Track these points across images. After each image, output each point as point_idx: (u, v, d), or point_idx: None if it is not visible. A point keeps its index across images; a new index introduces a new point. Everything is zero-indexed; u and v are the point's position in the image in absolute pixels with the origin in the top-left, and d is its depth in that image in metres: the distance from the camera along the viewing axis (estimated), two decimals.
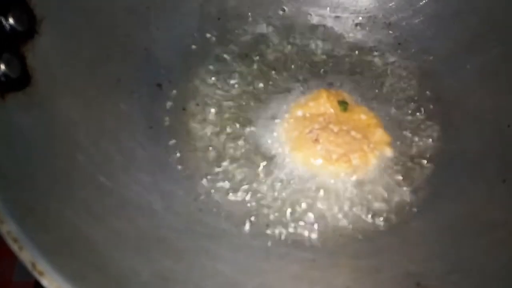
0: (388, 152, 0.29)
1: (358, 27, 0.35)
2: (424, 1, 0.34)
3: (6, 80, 0.22)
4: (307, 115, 0.31)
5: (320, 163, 0.29)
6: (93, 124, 0.26)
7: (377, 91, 0.32)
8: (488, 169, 0.27)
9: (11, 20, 0.23)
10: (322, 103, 0.31)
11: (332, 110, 0.30)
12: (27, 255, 0.15)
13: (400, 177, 0.28)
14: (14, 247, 0.15)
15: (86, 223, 0.20)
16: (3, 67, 0.22)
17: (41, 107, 0.23)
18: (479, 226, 0.25)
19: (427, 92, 0.32)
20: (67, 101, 0.25)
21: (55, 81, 0.25)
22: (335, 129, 0.30)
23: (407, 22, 0.34)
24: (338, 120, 0.30)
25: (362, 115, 0.31)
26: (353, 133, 0.29)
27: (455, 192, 0.28)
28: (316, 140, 0.29)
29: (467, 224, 0.26)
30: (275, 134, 0.30)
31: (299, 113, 0.31)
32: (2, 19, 0.23)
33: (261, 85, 0.32)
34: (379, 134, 0.30)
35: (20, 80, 0.23)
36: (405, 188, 0.28)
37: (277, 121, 0.31)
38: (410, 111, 0.31)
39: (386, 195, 0.28)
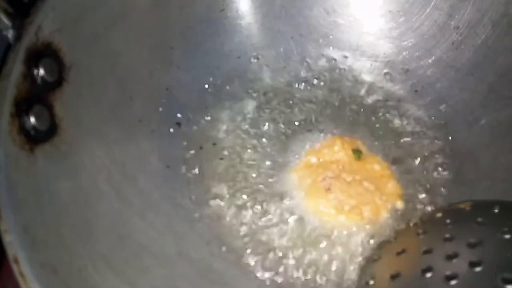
0: (399, 204, 0.30)
1: (376, 72, 0.35)
2: (443, 51, 0.34)
3: (36, 133, 0.23)
4: (321, 161, 0.31)
5: (332, 213, 0.29)
6: (115, 169, 0.27)
7: (392, 141, 0.32)
8: None
9: (42, 71, 0.24)
10: (336, 151, 0.31)
11: (346, 158, 0.31)
12: None
13: None
14: None
15: (105, 278, 0.21)
16: (33, 120, 0.23)
17: (66, 157, 0.24)
18: None
19: (440, 142, 0.32)
20: (91, 147, 0.26)
21: (80, 128, 0.26)
22: (348, 178, 0.30)
23: (424, 70, 0.35)
24: (351, 168, 0.31)
25: (376, 165, 0.31)
26: (365, 184, 0.30)
27: None
28: (329, 190, 0.30)
29: None
30: (288, 180, 0.31)
31: (313, 159, 0.31)
32: (34, 71, 0.24)
33: (275, 128, 0.33)
34: (391, 186, 0.30)
35: (48, 131, 0.24)
36: None
37: (291, 166, 0.32)
38: (422, 162, 0.32)
39: None
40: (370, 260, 0.27)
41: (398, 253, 0.26)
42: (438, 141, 0.32)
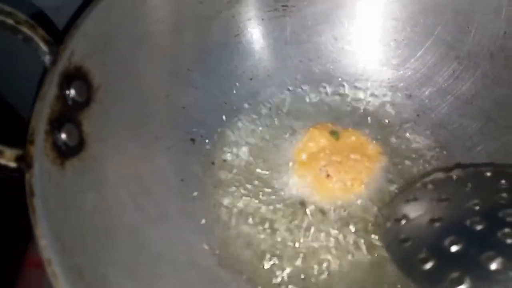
0: (383, 159, 0.34)
1: (380, 96, 0.37)
2: (444, 79, 0.36)
3: (66, 149, 0.25)
4: (311, 155, 0.34)
5: (341, 194, 0.32)
6: (133, 182, 0.29)
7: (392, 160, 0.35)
8: None
9: (73, 92, 0.27)
10: (318, 140, 0.34)
11: (327, 142, 0.34)
12: None
13: None
14: None
15: (124, 284, 0.23)
16: (64, 136, 0.25)
17: (92, 169, 0.27)
18: None
19: (439, 166, 0.34)
20: (113, 161, 0.29)
21: (104, 144, 0.28)
22: (338, 158, 0.34)
23: (426, 96, 0.36)
24: (336, 149, 0.34)
25: (352, 137, 0.35)
26: (352, 156, 0.34)
27: None
28: (329, 176, 0.33)
29: None
30: (291, 183, 0.34)
31: (303, 156, 0.34)
32: (66, 92, 0.27)
33: (283, 143, 0.36)
34: (372, 148, 0.34)
35: (76, 146, 0.26)
36: None
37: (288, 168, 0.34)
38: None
39: None
40: (402, 200, 0.29)
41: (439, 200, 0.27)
42: (436, 163, 0.34)
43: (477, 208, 0.25)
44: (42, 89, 0.25)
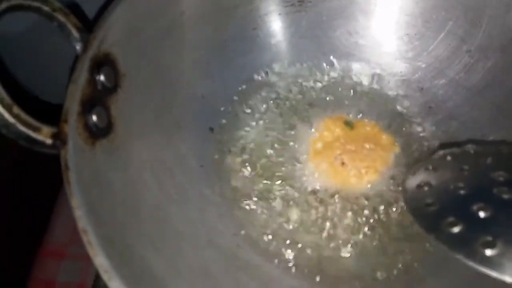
0: (397, 149, 0.35)
1: (393, 89, 0.39)
2: (455, 72, 0.37)
3: (96, 130, 0.27)
4: (326, 144, 0.36)
5: (357, 181, 0.34)
6: (157, 164, 0.31)
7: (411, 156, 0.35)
8: None
9: (102, 78, 0.28)
10: (333, 129, 0.36)
11: (342, 132, 0.36)
12: (115, 284, 0.20)
13: None
14: (104, 277, 0.20)
15: (150, 255, 0.24)
16: (95, 118, 0.27)
17: (119, 151, 0.28)
18: None
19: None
20: (138, 144, 0.30)
21: (130, 128, 0.30)
22: (352, 148, 0.35)
23: (438, 89, 0.38)
24: (350, 138, 0.35)
25: (367, 127, 0.36)
26: (366, 145, 0.35)
27: None
28: (344, 164, 0.34)
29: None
30: (306, 171, 0.35)
31: (319, 145, 0.36)
32: (96, 77, 0.28)
33: (296, 132, 0.37)
34: (385, 138, 0.36)
35: (105, 128, 0.28)
36: None
37: (304, 157, 0.35)
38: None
39: None
40: (422, 168, 0.30)
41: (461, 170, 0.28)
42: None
43: (501, 179, 0.25)
44: (74, 73, 0.27)
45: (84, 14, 0.30)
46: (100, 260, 0.20)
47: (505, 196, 0.24)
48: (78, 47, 0.28)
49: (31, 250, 0.37)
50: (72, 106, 0.26)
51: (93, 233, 0.21)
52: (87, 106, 0.27)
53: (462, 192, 0.26)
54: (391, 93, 0.38)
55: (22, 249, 0.37)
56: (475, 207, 0.24)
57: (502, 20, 0.35)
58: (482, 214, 0.24)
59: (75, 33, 0.28)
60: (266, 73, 0.39)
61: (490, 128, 0.35)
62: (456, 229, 0.24)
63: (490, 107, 0.35)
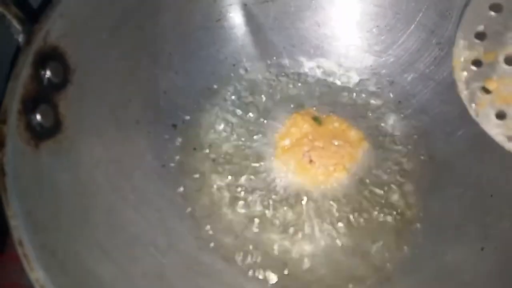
0: (365, 145, 0.34)
1: (362, 82, 0.37)
2: (426, 66, 0.36)
3: (41, 130, 0.25)
4: (294, 141, 0.34)
5: (324, 179, 0.33)
6: (112, 164, 0.29)
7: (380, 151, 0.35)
8: (468, 234, 0.30)
9: (48, 73, 0.26)
10: (301, 125, 0.35)
11: (310, 128, 0.35)
12: None
13: None
14: None
15: (99, 263, 0.23)
16: (39, 117, 0.25)
17: (68, 152, 0.26)
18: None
19: (421, 151, 0.34)
20: (90, 144, 0.28)
21: (82, 126, 0.28)
22: (320, 144, 0.34)
23: (408, 82, 0.37)
24: (319, 135, 0.34)
25: (335, 123, 0.35)
26: (335, 142, 0.34)
27: (434, 251, 0.30)
28: (312, 161, 0.33)
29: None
30: (273, 169, 0.34)
31: (286, 142, 0.34)
32: (41, 72, 0.26)
33: (261, 126, 0.36)
34: (354, 133, 0.35)
35: (52, 128, 0.26)
36: None
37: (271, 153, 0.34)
38: (400, 165, 0.34)
39: None
40: None
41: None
42: (418, 149, 0.34)
43: None
44: (16, 68, 0.25)
45: (28, 3, 0.28)
46: (36, 275, 0.19)
47: None
48: (20, 39, 0.26)
49: None
50: (12, 104, 0.24)
51: (29, 244, 0.19)
52: (30, 104, 0.25)
53: None
54: (360, 87, 0.37)
55: None
56: None
57: None
58: None
59: (16, 25, 0.26)
60: (233, 66, 0.38)
61: (459, 123, 0.34)
62: None
63: (460, 102, 0.34)
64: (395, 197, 0.32)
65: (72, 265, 0.21)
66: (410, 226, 0.31)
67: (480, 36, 0.25)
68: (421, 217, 0.32)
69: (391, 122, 0.36)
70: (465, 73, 0.26)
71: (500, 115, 0.25)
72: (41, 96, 0.26)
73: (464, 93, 0.26)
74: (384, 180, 0.33)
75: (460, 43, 0.26)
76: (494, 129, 0.25)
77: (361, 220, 0.31)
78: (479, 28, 0.25)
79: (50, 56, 0.27)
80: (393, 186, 0.33)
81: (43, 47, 0.26)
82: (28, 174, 0.23)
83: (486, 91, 0.26)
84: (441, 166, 0.33)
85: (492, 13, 0.25)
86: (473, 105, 0.26)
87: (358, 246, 0.30)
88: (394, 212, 0.32)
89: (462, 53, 0.26)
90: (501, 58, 0.25)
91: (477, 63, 0.26)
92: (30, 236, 0.20)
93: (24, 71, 0.25)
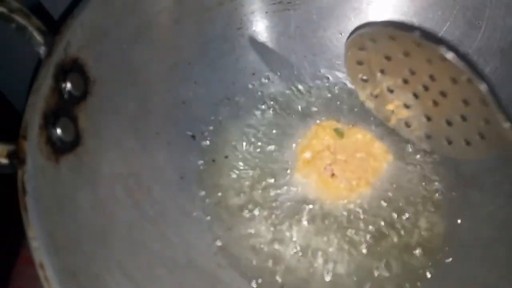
0: (390, 158, 0.33)
1: None
2: None
3: (61, 144, 0.24)
4: (315, 153, 0.34)
5: (347, 194, 0.32)
6: (131, 178, 0.28)
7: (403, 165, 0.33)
8: (496, 255, 0.28)
9: (69, 85, 0.26)
10: (322, 137, 0.34)
11: (332, 140, 0.34)
12: None
13: None
14: None
15: (120, 284, 0.22)
16: (59, 131, 0.24)
17: (88, 166, 0.26)
18: None
19: (448, 166, 0.33)
20: (110, 157, 0.28)
21: (101, 139, 0.27)
22: (343, 157, 0.33)
23: None
24: (341, 147, 0.34)
25: (358, 135, 0.34)
26: (358, 154, 0.33)
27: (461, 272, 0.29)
28: (334, 175, 0.32)
29: None
30: (294, 183, 0.33)
31: (307, 155, 0.33)
32: (62, 85, 0.25)
33: (282, 139, 0.35)
34: (378, 146, 0.34)
35: (72, 142, 0.25)
36: None
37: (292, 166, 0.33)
38: (426, 180, 0.33)
39: None
40: None
41: None
42: (446, 166, 0.33)
43: None
44: (37, 81, 0.24)
45: (49, 15, 0.28)
46: None
47: None
48: (42, 51, 0.25)
49: (9, 256, 0.35)
50: (33, 119, 0.23)
51: (50, 267, 0.19)
52: (51, 118, 0.24)
53: None
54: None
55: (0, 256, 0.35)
56: None
57: (502, 21, 0.33)
58: None
59: (37, 36, 0.25)
60: (252, 75, 0.37)
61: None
62: None
63: None
64: (420, 214, 0.31)
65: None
66: (435, 245, 0.30)
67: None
68: (448, 236, 0.30)
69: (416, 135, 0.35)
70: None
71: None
72: (62, 109, 0.25)
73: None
74: (409, 196, 0.32)
75: None
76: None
77: (384, 238, 0.30)
78: None
79: (71, 68, 0.26)
80: (418, 202, 0.32)
81: (63, 59, 0.26)
82: (49, 192, 0.22)
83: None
84: (469, 183, 0.32)
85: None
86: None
87: (380, 265, 0.30)
88: (419, 231, 0.31)
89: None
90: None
91: None
92: (51, 258, 0.19)
93: (45, 84, 0.24)
